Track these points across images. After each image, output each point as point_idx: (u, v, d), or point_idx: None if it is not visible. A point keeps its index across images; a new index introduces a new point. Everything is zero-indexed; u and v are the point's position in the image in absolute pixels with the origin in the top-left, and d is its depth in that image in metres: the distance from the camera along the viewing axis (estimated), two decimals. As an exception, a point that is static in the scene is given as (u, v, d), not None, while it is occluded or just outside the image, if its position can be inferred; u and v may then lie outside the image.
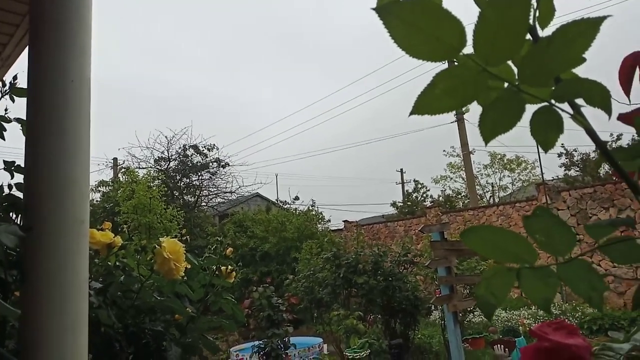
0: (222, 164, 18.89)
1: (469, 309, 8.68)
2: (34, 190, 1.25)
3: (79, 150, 1.27)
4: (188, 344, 1.76)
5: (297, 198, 19.48)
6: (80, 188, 1.26)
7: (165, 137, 20.85)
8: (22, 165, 1.51)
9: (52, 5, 1.33)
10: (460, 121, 18.66)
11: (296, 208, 17.55)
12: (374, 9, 0.43)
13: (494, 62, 0.44)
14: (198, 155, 18.63)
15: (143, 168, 17.87)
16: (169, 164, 18.57)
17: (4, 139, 1.78)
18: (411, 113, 0.47)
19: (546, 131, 0.48)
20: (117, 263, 1.60)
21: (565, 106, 0.48)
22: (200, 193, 18.93)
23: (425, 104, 0.47)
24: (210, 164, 18.76)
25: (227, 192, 19.70)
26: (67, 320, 1.17)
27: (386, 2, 0.42)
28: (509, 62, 0.50)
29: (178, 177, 18.47)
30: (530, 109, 0.51)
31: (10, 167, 1.60)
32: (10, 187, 1.47)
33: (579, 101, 0.47)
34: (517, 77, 0.47)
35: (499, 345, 6.85)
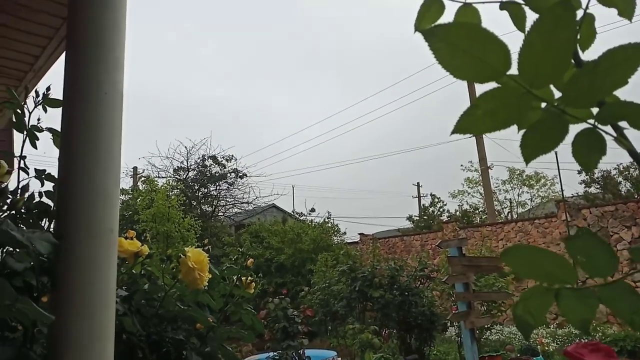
0: (239, 174, 19.05)
1: (486, 326, 8.55)
2: (67, 199, 1.28)
3: (111, 161, 1.30)
4: (207, 353, 1.77)
5: (313, 210, 19.51)
6: (111, 198, 1.28)
7: (185, 147, 21.10)
8: (52, 173, 1.56)
9: (89, 20, 1.37)
10: (478, 136, 18.52)
11: (312, 220, 17.56)
12: (420, 31, 0.44)
13: (538, 85, 0.44)
14: (216, 165, 18.82)
15: (162, 177, 18.12)
16: (187, 174, 18.78)
17: (36, 148, 1.83)
18: (453, 132, 0.48)
19: (589, 153, 0.48)
20: (142, 271, 1.62)
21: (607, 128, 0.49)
22: (217, 203, 19.07)
23: (467, 124, 0.47)
24: (228, 174, 18.92)
25: (244, 203, 19.82)
26: (95, 326, 1.20)
27: (434, 26, 0.43)
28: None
29: (196, 187, 18.66)
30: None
31: (41, 175, 1.64)
32: (40, 194, 1.51)
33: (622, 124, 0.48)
34: (559, 99, 0.48)
35: (517, 365, 6.71)
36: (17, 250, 1.22)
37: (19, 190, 1.34)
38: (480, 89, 0.50)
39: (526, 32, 0.45)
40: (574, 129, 0.52)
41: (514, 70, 0.47)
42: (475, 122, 0.46)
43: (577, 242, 0.49)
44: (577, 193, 19.49)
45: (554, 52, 0.42)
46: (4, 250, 1.23)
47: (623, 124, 0.48)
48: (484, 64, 0.43)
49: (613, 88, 0.44)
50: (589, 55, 0.52)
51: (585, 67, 0.43)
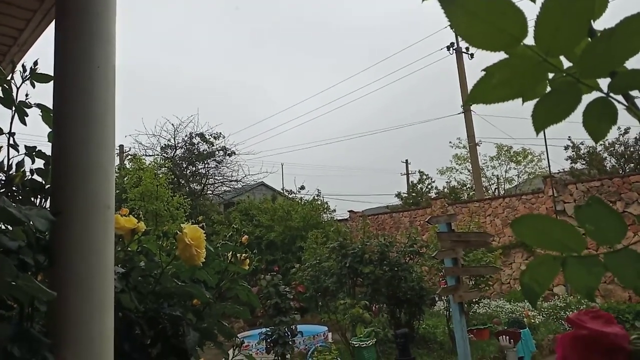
0: (228, 152, 18.92)
1: (474, 300, 8.73)
2: (61, 176, 1.26)
3: (105, 136, 1.28)
4: (204, 329, 1.78)
5: (302, 187, 19.53)
6: (106, 174, 1.27)
7: (172, 124, 20.92)
8: (43, 150, 1.53)
9: (78, -9, 1.33)
10: (467, 112, 18.57)
11: (302, 197, 17.58)
12: (437, -1, 0.43)
13: (554, 53, 0.44)
14: (204, 143, 18.66)
15: (150, 155, 17.94)
16: (175, 152, 18.62)
17: (26, 124, 1.79)
18: (466, 102, 0.48)
19: (599, 122, 0.49)
20: (139, 248, 1.62)
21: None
22: (206, 181, 18.99)
23: (481, 93, 0.47)
24: (217, 152, 18.79)
25: (232, 181, 19.75)
26: (95, 303, 1.20)
27: (451, -8, 0.42)
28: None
29: (184, 165, 18.53)
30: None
31: (32, 152, 1.62)
32: (32, 172, 1.49)
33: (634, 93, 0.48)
34: (571, 68, 0.48)
35: (504, 337, 6.88)
36: (11, 228, 1.20)
37: (15, 167, 1.32)
38: (469, 65, 0.49)
39: (542, 0, 0.44)
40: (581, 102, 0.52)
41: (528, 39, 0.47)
42: (489, 91, 0.46)
43: (586, 211, 0.49)
44: (563, 169, 19.75)
45: (572, 19, 0.42)
46: (-1, 228, 1.22)
47: (634, 93, 0.48)
48: (501, 31, 0.43)
49: (628, 56, 0.44)
50: (599, 26, 0.52)
51: (600, 36, 0.43)
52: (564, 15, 0.42)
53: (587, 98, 0.52)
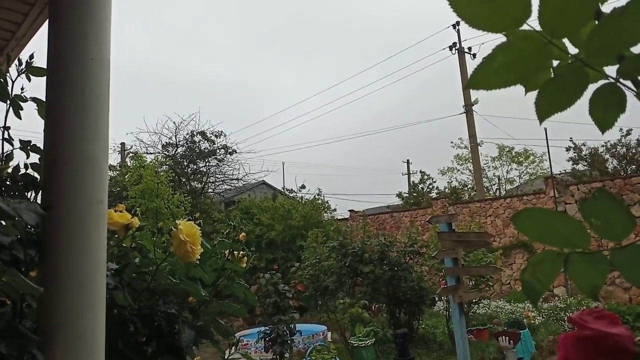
0: (229, 150, 18.89)
1: (474, 301, 8.69)
2: (53, 170, 1.23)
3: (99, 129, 1.26)
4: (200, 327, 1.76)
5: (303, 186, 19.47)
6: (99, 168, 1.24)
7: (174, 122, 20.88)
8: (38, 145, 1.51)
9: (72, -19, 1.30)
10: (469, 112, 18.53)
11: (302, 196, 17.55)
12: (434, -25, 0.40)
13: (560, 34, 0.42)
14: (205, 141, 18.63)
15: (151, 153, 17.91)
16: (176, 150, 18.59)
17: (20, 118, 1.77)
18: (466, 87, 0.46)
19: (606, 109, 0.46)
20: (133, 245, 1.59)
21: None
22: (207, 179, 18.96)
23: (482, 78, 0.45)
24: (218, 150, 18.76)
25: (233, 179, 19.72)
26: (85, 300, 1.17)
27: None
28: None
29: (185, 163, 18.50)
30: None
31: (26, 146, 1.59)
32: (26, 166, 1.46)
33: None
34: (579, 53, 0.45)
35: (503, 337, 6.85)
36: (4, 223, 1.18)
37: (3, 159, 1.30)
38: (471, 65, 0.47)
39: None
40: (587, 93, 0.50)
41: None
42: (490, 75, 0.43)
43: (592, 204, 0.47)
44: (565, 170, 19.70)
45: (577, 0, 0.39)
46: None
47: (644, 79, 0.45)
48: (504, 11, 0.40)
49: (639, 39, 0.42)
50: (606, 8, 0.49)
51: (610, 16, 0.40)
52: (570, -6, 0.39)
53: (592, 88, 0.49)
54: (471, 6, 0.41)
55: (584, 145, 19.20)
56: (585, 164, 19.26)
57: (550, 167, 14.49)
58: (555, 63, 0.49)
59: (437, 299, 9.74)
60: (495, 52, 0.43)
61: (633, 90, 0.44)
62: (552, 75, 0.48)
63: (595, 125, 0.49)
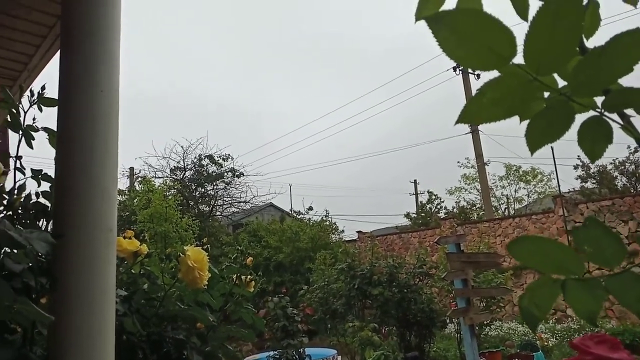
0: (236, 173, 19.01)
1: (485, 323, 8.57)
2: (64, 198, 1.26)
3: (108, 159, 1.29)
4: (208, 352, 1.76)
5: (310, 208, 19.48)
6: (109, 197, 1.27)
7: (182, 147, 21.08)
8: (49, 173, 1.54)
9: (83, 18, 1.36)
10: (474, 132, 18.55)
11: (310, 218, 17.55)
12: (424, 18, 0.43)
13: (544, 72, 0.44)
14: (213, 165, 18.78)
15: (159, 177, 18.07)
16: (184, 174, 18.74)
17: (32, 148, 1.81)
18: (457, 121, 0.47)
19: (594, 141, 0.48)
20: (142, 271, 1.61)
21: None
22: (214, 202, 19.04)
23: (472, 112, 0.47)
24: (225, 173, 18.88)
25: (241, 202, 19.79)
26: (95, 327, 1.19)
27: (438, 12, 0.42)
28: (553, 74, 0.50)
29: (193, 187, 18.61)
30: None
31: (37, 175, 1.63)
32: (37, 194, 1.50)
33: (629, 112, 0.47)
34: (565, 87, 0.47)
35: (516, 360, 6.73)
36: (15, 251, 1.20)
37: (16, 190, 1.33)
38: (475, 85, 0.49)
39: (531, 19, 0.44)
40: (577, 119, 0.52)
41: (519, 58, 0.46)
42: (480, 110, 0.46)
43: (584, 232, 0.48)
44: (573, 188, 19.58)
45: (561, 38, 0.41)
46: (2, 251, 1.22)
47: (629, 112, 0.47)
48: (490, 51, 0.43)
49: (620, 75, 0.44)
50: (592, 43, 0.51)
51: (591, 54, 0.42)
52: (553, 34, 0.41)
53: (584, 116, 0.51)
54: (458, 46, 0.43)
55: (592, 163, 19.11)
56: (594, 181, 19.15)
57: (559, 185, 14.43)
58: (547, 94, 0.52)
59: (448, 321, 9.61)
60: (484, 88, 0.45)
61: (619, 123, 0.46)
62: (544, 106, 0.50)
63: (586, 155, 0.51)
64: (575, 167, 19.49)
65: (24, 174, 1.54)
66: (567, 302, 0.54)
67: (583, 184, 19.38)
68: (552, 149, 13.51)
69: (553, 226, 12.38)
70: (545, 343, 8.65)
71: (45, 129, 1.83)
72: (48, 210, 1.38)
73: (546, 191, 24.13)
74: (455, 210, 24.40)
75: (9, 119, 1.61)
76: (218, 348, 1.79)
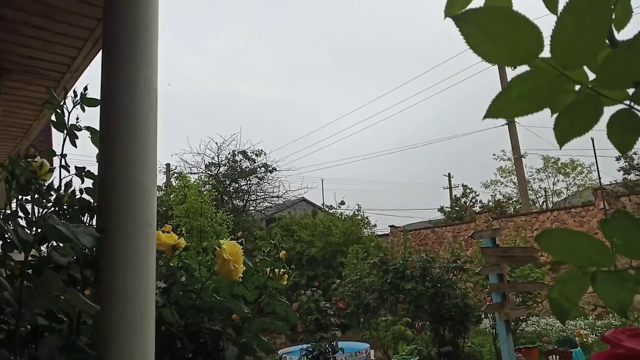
0: (269, 169, 19.20)
1: (521, 318, 8.41)
2: (107, 195, 1.33)
3: (147, 156, 1.34)
4: (244, 343, 1.80)
5: (342, 202, 19.50)
6: (148, 192, 1.33)
7: (216, 143, 21.47)
8: (91, 170, 1.61)
9: (124, 21, 1.41)
10: (511, 124, 18.12)
11: (342, 212, 17.56)
12: (451, 17, 0.44)
13: (571, 67, 0.44)
14: (246, 160, 19.02)
15: (194, 173, 18.43)
16: (218, 170, 19.06)
17: (76, 147, 1.89)
18: (485, 116, 0.48)
19: (624, 133, 0.48)
20: (180, 264, 1.67)
21: None
22: (248, 197, 19.29)
23: (500, 107, 0.48)
24: (258, 169, 19.10)
25: (274, 197, 19.99)
26: (137, 317, 1.24)
27: (464, 11, 0.43)
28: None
29: (227, 182, 18.91)
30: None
31: (81, 172, 1.71)
32: (81, 191, 1.57)
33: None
34: (594, 80, 0.47)
35: (554, 356, 6.58)
36: (61, 245, 1.27)
37: (63, 187, 1.40)
38: (511, 75, 0.50)
39: (559, 13, 0.44)
40: (608, 111, 0.52)
41: (546, 52, 0.47)
42: (508, 105, 0.46)
43: (613, 225, 0.48)
44: (615, 180, 18.88)
45: (588, 33, 0.42)
46: (49, 244, 1.29)
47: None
48: (516, 47, 0.43)
49: (649, 67, 0.44)
50: (625, 35, 0.51)
51: (620, 48, 0.43)
52: (580, 29, 0.42)
53: (614, 108, 0.51)
54: (486, 43, 0.44)
55: (636, 154, 18.37)
56: (638, 173, 18.42)
57: (599, 177, 13.94)
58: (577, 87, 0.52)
59: (483, 316, 9.48)
60: (511, 83, 0.46)
61: (650, 115, 0.46)
62: (575, 98, 0.51)
63: (615, 148, 0.51)
64: (618, 159, 18.80)
65: (68, 171, 1.62)
66: (597, 294, 0.54)
67: (626, 175, 18.69)
68: (592, 140, 13.07)
69: (593, 220, 12.00)
70: (585, 339, 8.42)
71: (88, 128, 1.91)
72: (92, 205, 1.44)
73: (586, 184, 23.38)
74: (490, 203, 23.94)
75: (53, 119, 1.69)
76: (253, 339, 1.83)
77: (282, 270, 1.94)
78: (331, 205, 20.26)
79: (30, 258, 1.15)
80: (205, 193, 12.76)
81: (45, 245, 1.29)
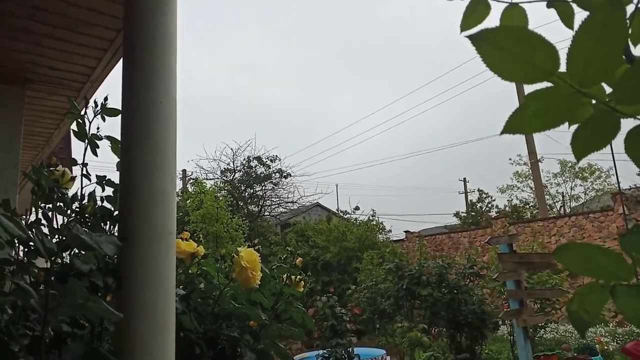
0: (284, 174, 19.29)
1: (540, 325, 8.29)
2: (128, 203, 1.35)
3: (167, 165, 1.37)
4: (261, 350, 1.82)
5: (357, 208, 19.50)
6: (168, 201, 1.35)
7: (231, 149, 21.63)
8: (112, 179, 1.65)
9: (143, 33, 1.44)
10: (527, 128, 17.92)
11: (356, 218, 17.54)
12: (467, 36, 0.45)
13: (588, 84, 0.45)
14: (261, 166, 19.14)
15: (210, 179, 18.61)
16: (234, 175, 19.20)
17: (97, 156, 1.93)
18: (502, 132, 0.49)
19: (642, 149, 0.48)
20: (198, 271, 1.69)
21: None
22: (263, 203, 19.39)
23: (517, 124, 0.48)
24: (273, 174, 19.20)
25: (288, 202, 20.05)
26: (157, 324, 1.26)
27: (481, 30, 0.44)
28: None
29: (243, 188, 19.03)
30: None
31: (102, 181, 1.74)
32: (102, 199, 1.60)
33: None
34: (610, 95, 0.48)
35: (574, 364, 6.47)
36: (83, 252, 1.30)
37: (86, 197, 1.43)
38: (528, 86, 0.50)
39: (575, 30, 0.45)
40: (627, 124, 0.52)
41: (562, 67, 0.47)
42: (524, 122, 0.47)
43: (631, 238, 0.49)
44: (635, 185, 18.51)
45: (604, 51, 0.42)
46: (71, 252, 1.32)
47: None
48: (532, 66, 0.44)
49: (666, 84, 0.44)
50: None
51: (636, 64, 0.43)
52: (596, 46, 0.43)
53: (632, 122, 0.52)
54: (503, 62, 0.45)
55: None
56: (659, 177, 18.05)
57: (618, 182, 13.69)
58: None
59: (500, 323, 9.37)
60: (527, 101, 0.46)
61: (667, 130, 0.46)
62: (592, 112, 0.51)
63: (634, 163, 0.51)
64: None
65: (89, 180, 1.65)
66: (617, 308, 0.54)
67: (646, 180, 18.32)
68: (611, 145, 12.83)
69: (612, 225, 11.80)
70: (605, 347, 8.26)
71: (108, 138, 1.96)
72: (113, 214, 1.47)
73: (605, 188, 22.99)
74: (507, 209, 23.68)
75: (74, 128, 1.73)
76: (270, 346, 1.84)
77: (298, 277, 1.95)
78: (346, 211, 20.27)
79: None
80: (221, 199, 12.85)
81: (67, 253, 1.32)
